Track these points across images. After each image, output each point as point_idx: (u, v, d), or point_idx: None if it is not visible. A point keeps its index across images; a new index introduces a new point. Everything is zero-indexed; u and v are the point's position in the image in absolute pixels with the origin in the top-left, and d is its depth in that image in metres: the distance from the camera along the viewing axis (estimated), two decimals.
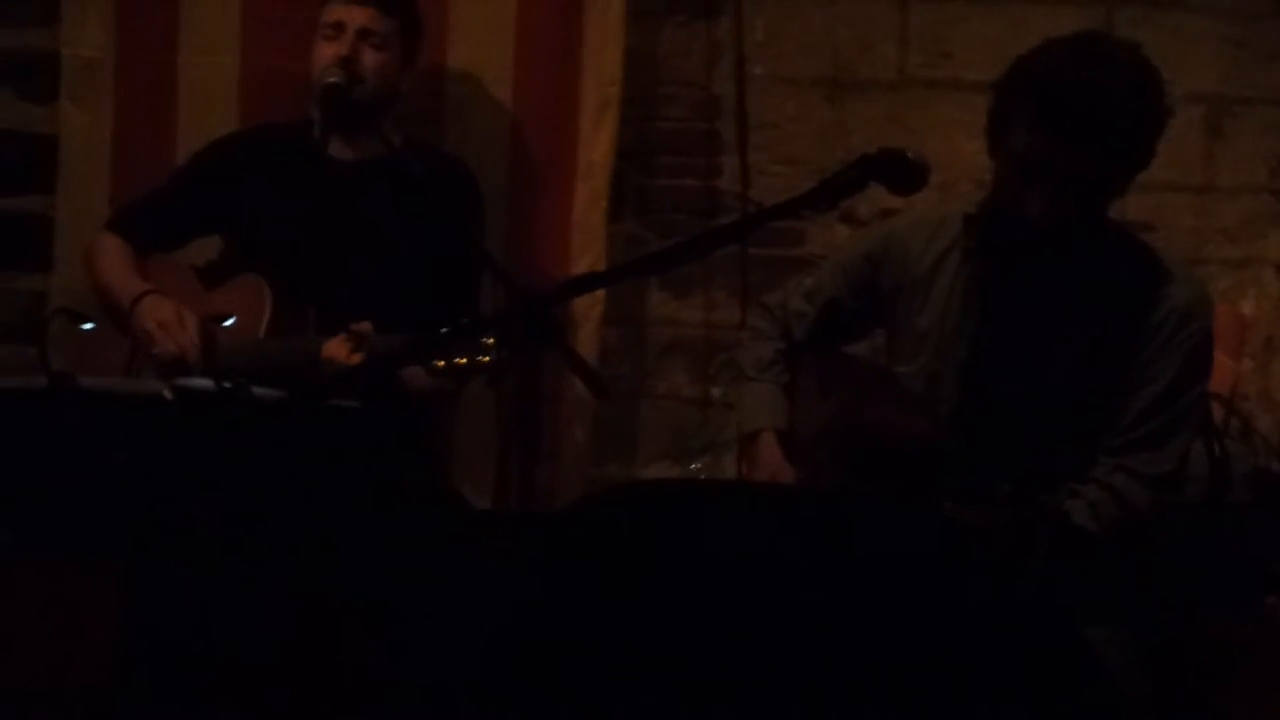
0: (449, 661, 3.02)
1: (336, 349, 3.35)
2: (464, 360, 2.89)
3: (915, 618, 2.22)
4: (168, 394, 2.75)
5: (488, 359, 2.89)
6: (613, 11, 4.07)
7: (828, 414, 3.13)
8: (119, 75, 4.11)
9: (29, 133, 4.24)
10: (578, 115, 4.09)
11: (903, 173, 2.49)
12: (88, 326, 3.60)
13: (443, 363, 2.95)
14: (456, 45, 4.09)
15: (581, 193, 4.09)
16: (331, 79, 3.64)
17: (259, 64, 4.09)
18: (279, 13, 4.06)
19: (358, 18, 3.68)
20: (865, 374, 3.20)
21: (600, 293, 4.08)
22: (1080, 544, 2.87)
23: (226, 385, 2.75)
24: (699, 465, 4.32)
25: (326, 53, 3.67)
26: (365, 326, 3.33)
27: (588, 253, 4.07)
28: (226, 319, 3.48)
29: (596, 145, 4.08)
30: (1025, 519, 2.86)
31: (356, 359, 3.31)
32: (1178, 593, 3.09)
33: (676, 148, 4.33)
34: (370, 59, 3.67)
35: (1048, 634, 2.47)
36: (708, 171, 4.32)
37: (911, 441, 3.00)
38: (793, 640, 2.24)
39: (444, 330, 2.91)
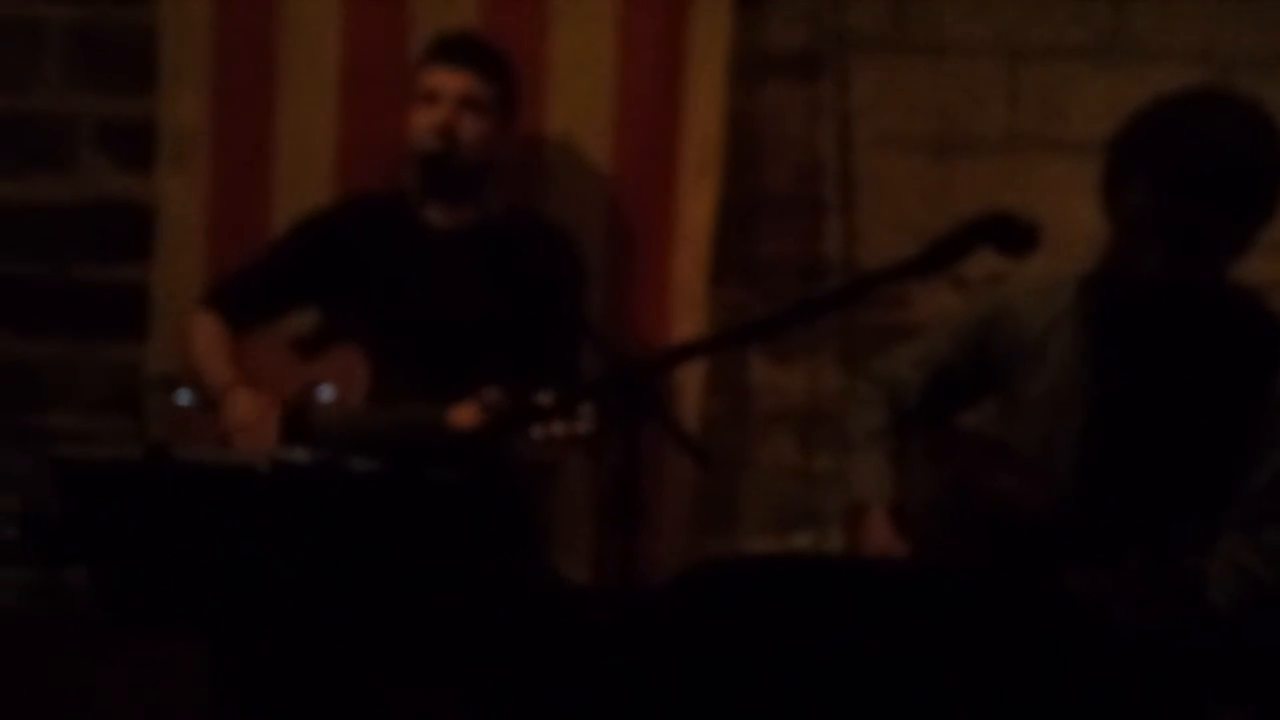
0: None
1: (464, 415, 3.30)
2: (562, 431, 2.86)
3: (1036, 703, 2.15)
4: (263, 467, 2.74)
5: (585, 428, 2.85)
6: (713, 73, 4.02)
7: (940, 484, 3.06)
8: (216, 143, 4.11)
9: (126, 202, 4.23)
10: (677, 178, 4.04)
11: (1014, 235, 2.46)
12: (185, 398, 3.61)
13: (541, 431, 2.92)
14: (556, 109, 4.05)
15: (681, 257, 4.03)
16: (429, 147, 3.61)
17: (357, 130, 4.07)
18: (377, 78, 4.04)
19: (456, 84, 3.64)
20: (978, 443, 3.13)
21: (702, 361, 4.01)
22: (1210, 621, 2.77)
23: (323, 458, 2.74)
24: (804, 538, 4.24)
25: (424, 120, 3.63)
26: (495, 393, 3.27)
27: (688, 319, 4.01)
28: (324, 389, 3.45)
29: (697, 208, 4.02)
30: (1155, 585, 2.77)
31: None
32: None
33: (779, 210, 4.25)
34: (468, 127, 3.63)
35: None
36: (811, 235, 4.24)
37: (1030, 510, 2.91)
38: None
39: (544, 398, 2.87)
